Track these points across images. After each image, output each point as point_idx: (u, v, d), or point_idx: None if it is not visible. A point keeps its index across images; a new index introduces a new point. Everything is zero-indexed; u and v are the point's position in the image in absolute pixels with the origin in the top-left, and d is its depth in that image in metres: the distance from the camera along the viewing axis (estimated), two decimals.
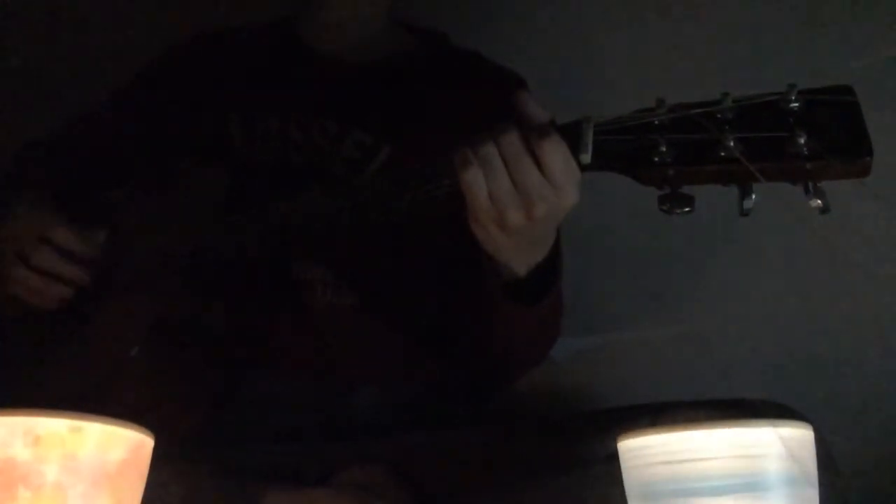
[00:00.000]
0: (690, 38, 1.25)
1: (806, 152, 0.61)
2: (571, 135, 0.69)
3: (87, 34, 1.36)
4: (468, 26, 1.14)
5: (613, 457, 0.60)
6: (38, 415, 0.51)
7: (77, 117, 1.10)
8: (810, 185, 0.63)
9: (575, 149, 0.69)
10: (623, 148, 0.68)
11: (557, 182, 0.68)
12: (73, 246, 0.90)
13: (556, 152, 0.68)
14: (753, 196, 0.64)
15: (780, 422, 0.56)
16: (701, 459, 0.54)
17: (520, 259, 0.77)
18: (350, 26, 1.06)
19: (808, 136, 0.61)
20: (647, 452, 0.57)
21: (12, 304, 0.91)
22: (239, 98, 1.04)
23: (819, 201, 0.62)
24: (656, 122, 0.66)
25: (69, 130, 1.10)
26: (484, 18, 1.29)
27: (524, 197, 0.69)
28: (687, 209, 0.66)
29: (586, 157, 0.68)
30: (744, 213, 0.65)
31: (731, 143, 0.63)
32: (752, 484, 0.53)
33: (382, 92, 1.03)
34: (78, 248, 0.90)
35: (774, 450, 0.54)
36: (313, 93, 1.03)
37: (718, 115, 0.64)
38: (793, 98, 0.63)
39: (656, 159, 0.66)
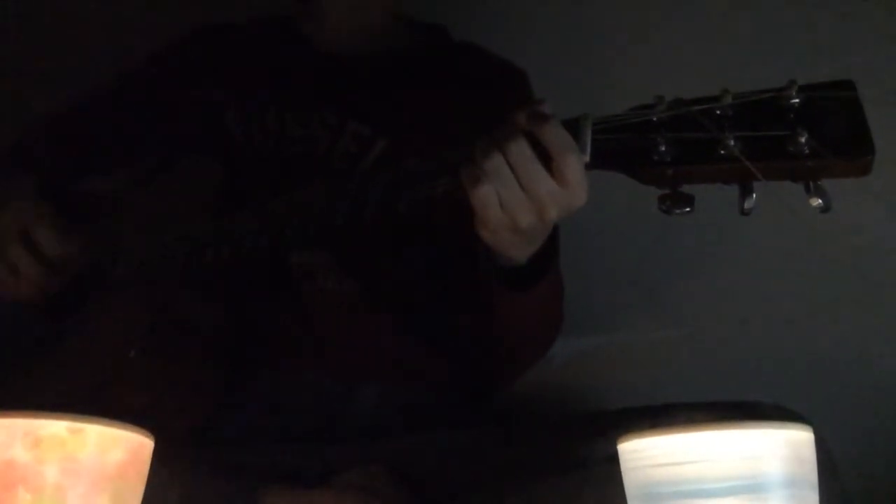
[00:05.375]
0: (692, 35, 1.25)
1: (807, 150, 0.61)
2: (569, 133, 0.68)
3: (86, 27, 1.36)
4: (468, 25, 1.14)
5: (614, 458, 0.60)
6: (38, 416, 0.51)
7: (76, 107, 1.10)
8: (811, 183, 0.62)
9: None
10: (622, 147, 0.67)
11: (571, 185, 0.68)
12: (49, 249, 0.88)
13: (574, 159, 0.67)
14: (754, 195, 0.63)
15: (781, 423, 0.56)
16: (701, 461, 0.54)
17: (522, 251, 0.77)
18: (350, 19, 1.06)
19: (809, 133, 0.61)
20: (647, 454, 0.56)
21: None
22: (238, 90, 1.04)
23: (820, 200, 0.62)
24: (655, 120, 0.66)
25: (68, 120, 1.10)
26: (484, 17, 1.29)
27: (536, 202, 0.68)
28: (687, 209, 0.66)
29: (585, 157, 0.68)
30: (744, 213, 0.64)
31: (731, 142, 0.62)
32: (752, 486, 0.53)
33: (381, 84, 1.03)
34: (52, 252, 0.89)
35: (774, 452, 0.54)
36: (312, 84, 1.03)
37: (718, 112, 0.64)
38: (793, 94, 0.62)
39: (655, 158, 0.66)
